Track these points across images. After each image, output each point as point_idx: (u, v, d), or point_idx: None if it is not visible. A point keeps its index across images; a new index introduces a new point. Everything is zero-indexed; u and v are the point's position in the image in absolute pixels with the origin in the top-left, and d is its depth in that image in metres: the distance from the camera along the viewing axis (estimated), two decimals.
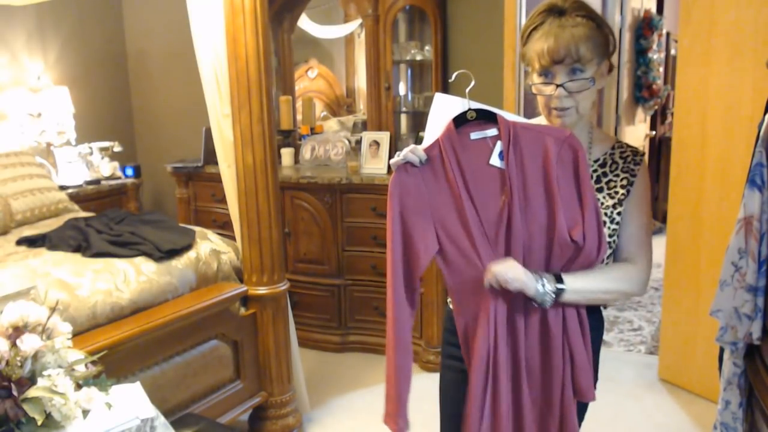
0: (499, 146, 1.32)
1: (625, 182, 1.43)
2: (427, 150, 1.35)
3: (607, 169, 1.46)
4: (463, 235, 1.32)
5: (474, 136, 1.34)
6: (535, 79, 1.41)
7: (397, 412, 1.37)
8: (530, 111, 1.68)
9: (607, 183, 1.44)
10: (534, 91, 1.42)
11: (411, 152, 1.33)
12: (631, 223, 1.42)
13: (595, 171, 1.46)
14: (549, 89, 1.39)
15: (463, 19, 3.48)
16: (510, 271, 1.28)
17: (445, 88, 3.55)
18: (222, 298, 2.39)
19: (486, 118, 1.34)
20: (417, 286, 1.38)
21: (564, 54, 1.34)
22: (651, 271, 1.46)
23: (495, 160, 1.33)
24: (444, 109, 1.39)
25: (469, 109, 1.34)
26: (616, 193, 1.42)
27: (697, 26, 2.77)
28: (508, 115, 1.38)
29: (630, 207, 1.42)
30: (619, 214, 1.41)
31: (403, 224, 1.34)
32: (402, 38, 3.73)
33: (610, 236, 1.41)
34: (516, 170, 1.31)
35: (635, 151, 1.47)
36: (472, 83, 1.42)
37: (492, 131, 1.33)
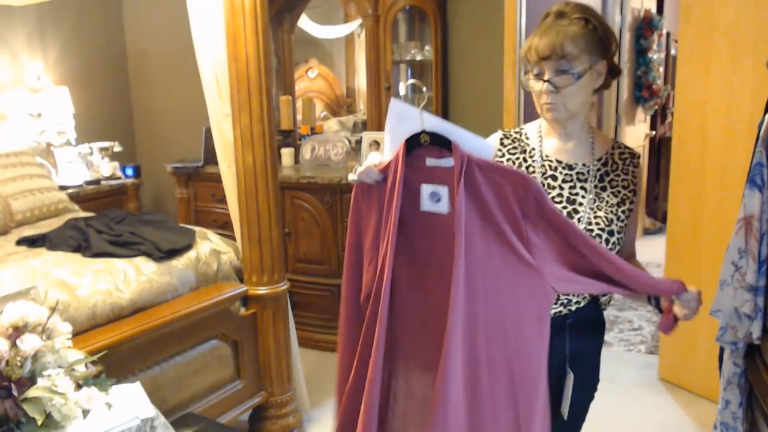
0: (426, 189, 1.18)
1: (626, 183, 1.47)
2: (383, 169, 1.23)
3: (609, 168, 1.49)
4: (382, 273, 1.18)
5: (429, 163, 1.18)
6: (530, 77, 1.44)
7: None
8: (530, 111, 1.68)
9: (609, 182, 1.47)
10: (524, 87, 1.47)
11: (365, 173, 1.24)
12: (633, 225, 1.50)
13: (598, 170, 1.48)
14: (537, 85, 1.42)
15: (463, 19, 3.47)
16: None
17: (445, 88, 3.55)
18: (222, 298, 2.39)
19: (440, 143, 1.17)
20: (362, 308, 1.27)
21: (549, 50, 1.37)
22: None
23: (426, 205, 1.18)
24: (400, 118, 1.22)
25: (423, 132, 1.18)
26: (619, 192, 1.46)
27: (697, 26, 2.77)
28: (468, 139, 1.18)
29: (634, 211, 1.49)
30: (623, 212, 1.45)
31: (353, 246, 1.27)
32: (402, 38, 3.73)
33: (618, 233, 1.44)
34: (466, 213, 1.14)
35: (632, 153, 1.52)
36: (425, 99, 1.38)
37: (448, 161, 1.16)
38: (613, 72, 1.45)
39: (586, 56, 1.38)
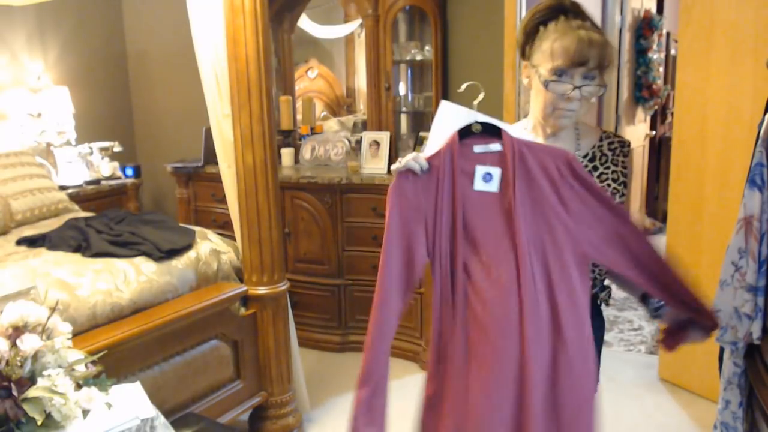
0: (480, 169, 1.30)
1: (616, 176, 1.47)
2: (429, 159, 1.33)
3: (597, 163, 1.48)
4: (446, 253, 1.30)
5: (477, 149, 1.32)
6: (546, 75, 1.39)
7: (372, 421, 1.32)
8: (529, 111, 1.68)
9: (599, 176, 1.48)
10: (549, 88, 1.39)
11: (413, 160, 1.31)
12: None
13: (585, 166, 1.48)
14: (564, 88, 1.38)
15: (463, 19, 3.47)
16: None
17: (445, 88, 3.55)
18: (222, 298, 2.39)
19: (491, 132, 1.32)
20: (409, 292, 1.35)
21: (592, 56, 1.35)
22: None
23: (479, 185, 1.31)
24: (449, 117, 1.37)
25: (475, 122, 1.32)
26: (609, 185, 1.47)
27: (697, 26, 2.77)
28: (511, 128, 1.35)
29: (627, 199, 1.49)
30: None
31: (400, 230, 1.32)
32: (402, 38, 3.73)
33: None
34: (520, 191, 1.27)
35: (622, 142, 1.50)
36: (481, 95, 1.40)
37: (496, 146, 1.31)
38: None
39: (610, 67, 1.40)
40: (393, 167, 1.34)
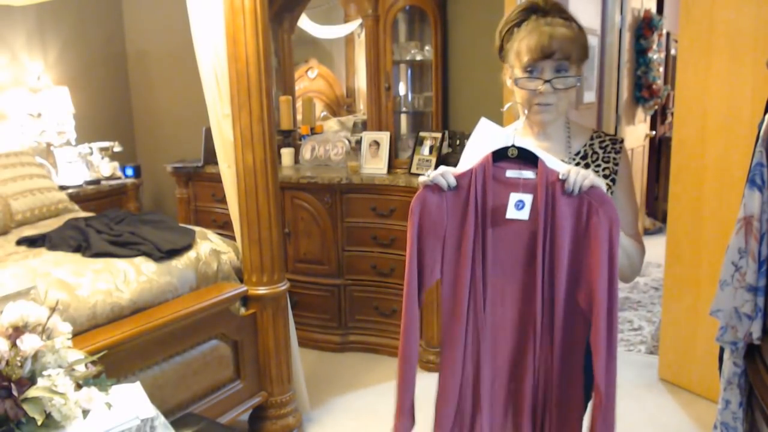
0: (514, 197, 1.28)
1: (608, 172, 1.47)
2: (458, 177, 1.31)
3: (588, 161, 1.49)
4: (462, 279, 1.31)
5: (510, 174, 1.29)
6: (519, 74, 1.42)
7: (402, 417, 1.39)
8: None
9: None
10: (519, 85, 1.42)
11: (442, 175, 1.30)
12: (622, 210, 1.45)
13: (577, 164, 1.49)
14: (535, 84, 1.40)
15: (463, 19, 3.47)
16: None
17: (445, 88, 3.55)
18: (222, 298, 2.39)
19: (526, 158, 1.29)
20: (421, 301, 1.38)
21: (556, 48, 1.36)
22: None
23: (512, 213, 1.28)
24: (486, 136, 1.34)
25: (512, 146, 1.29)
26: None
27: (697, 26, 2.77)
28: (550, 160, 1.31)
29: (619, 195, 1.48)
30: None
31: (419, 243, 1.32)
32: (402, 38, 3.72)
33: None
34: (547, 225, 1.26)
35: (614, 140, 1.51)
36: (520, 121, 1.39)
37: (529, 174, 1.28)
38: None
39: (578, 60, 1.41)
40: (420, 179, 1.32)
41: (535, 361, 1.32)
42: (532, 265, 1.28)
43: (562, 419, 1.33)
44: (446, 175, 1.30)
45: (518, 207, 1.28)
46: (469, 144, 1.39)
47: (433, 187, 1.31)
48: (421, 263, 1.33)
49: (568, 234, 1.26)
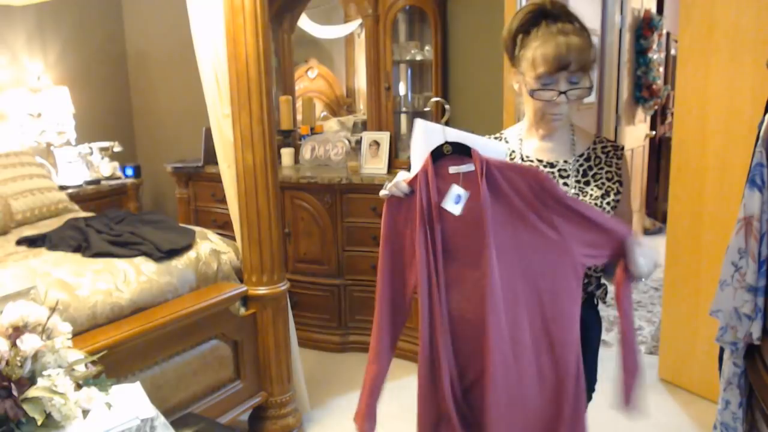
0: (454, 190, 1.34)
1: (611, 176, 1.50)
2: (410, 182, 1.38)
3: (591, 163, 1.52)
4: (425, 275, 1.36)
5: (452, 170, 1.35)
6: (532, 82, 1.42)
7: (365, 413, 1.49)
8: None
9: (593, 176, 1.50)
10: (535, 97, 1.43)
11: (395, 186, 1.38)
12: (621, 214, 1.51)
13: (581, 165, 1.51)
14: (550, 95, 1.41)
15: (463, 19, 3.47)
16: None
17: (445, 88, 3.55)
18: (222, 298, 2.39)
19: (461, 151, 1.35)
20: (406, 307, 1.45)
21: (572, 60, 1.37)
22: None
23: (449, 205, 1.34)
24: (425, 136, 1.40)
25: (445, 143, 1.35)
26: (603, 185, 1.49)
27: (697, 26, 2.77)
28: (485, 144, 1.37)
29: (620, 199, 1.51)
30: (608, 203, 1.47)
31: (391, 253, 1.41)
32: (402, 38, 3.72)
33: None
34: (493, 210, 1.32)
35: (615, 146, 1.54)
36: (446, 115, 1.49)
37: (468, 167, 1.34)
38: None
39: (593, 67, 1.43)
40: (380, 193, 1.41)
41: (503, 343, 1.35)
42: (486, 249, 1.32)
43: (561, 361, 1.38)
44: (398, 184, 1.38)
45: (456, 201, 1.34)
46: (413, 147, 1.43)
47: (392, 198, 1.40)
48: (402, 272, 1.41)
49: (526, 212, 1.32)
